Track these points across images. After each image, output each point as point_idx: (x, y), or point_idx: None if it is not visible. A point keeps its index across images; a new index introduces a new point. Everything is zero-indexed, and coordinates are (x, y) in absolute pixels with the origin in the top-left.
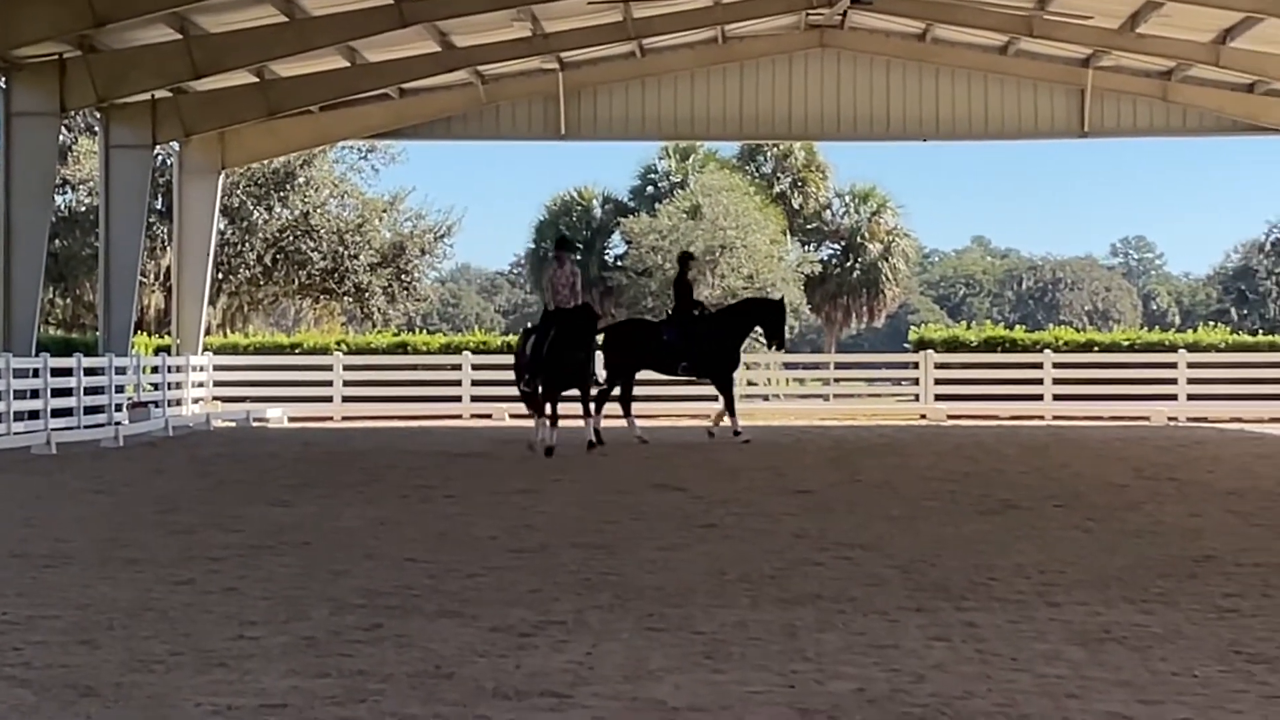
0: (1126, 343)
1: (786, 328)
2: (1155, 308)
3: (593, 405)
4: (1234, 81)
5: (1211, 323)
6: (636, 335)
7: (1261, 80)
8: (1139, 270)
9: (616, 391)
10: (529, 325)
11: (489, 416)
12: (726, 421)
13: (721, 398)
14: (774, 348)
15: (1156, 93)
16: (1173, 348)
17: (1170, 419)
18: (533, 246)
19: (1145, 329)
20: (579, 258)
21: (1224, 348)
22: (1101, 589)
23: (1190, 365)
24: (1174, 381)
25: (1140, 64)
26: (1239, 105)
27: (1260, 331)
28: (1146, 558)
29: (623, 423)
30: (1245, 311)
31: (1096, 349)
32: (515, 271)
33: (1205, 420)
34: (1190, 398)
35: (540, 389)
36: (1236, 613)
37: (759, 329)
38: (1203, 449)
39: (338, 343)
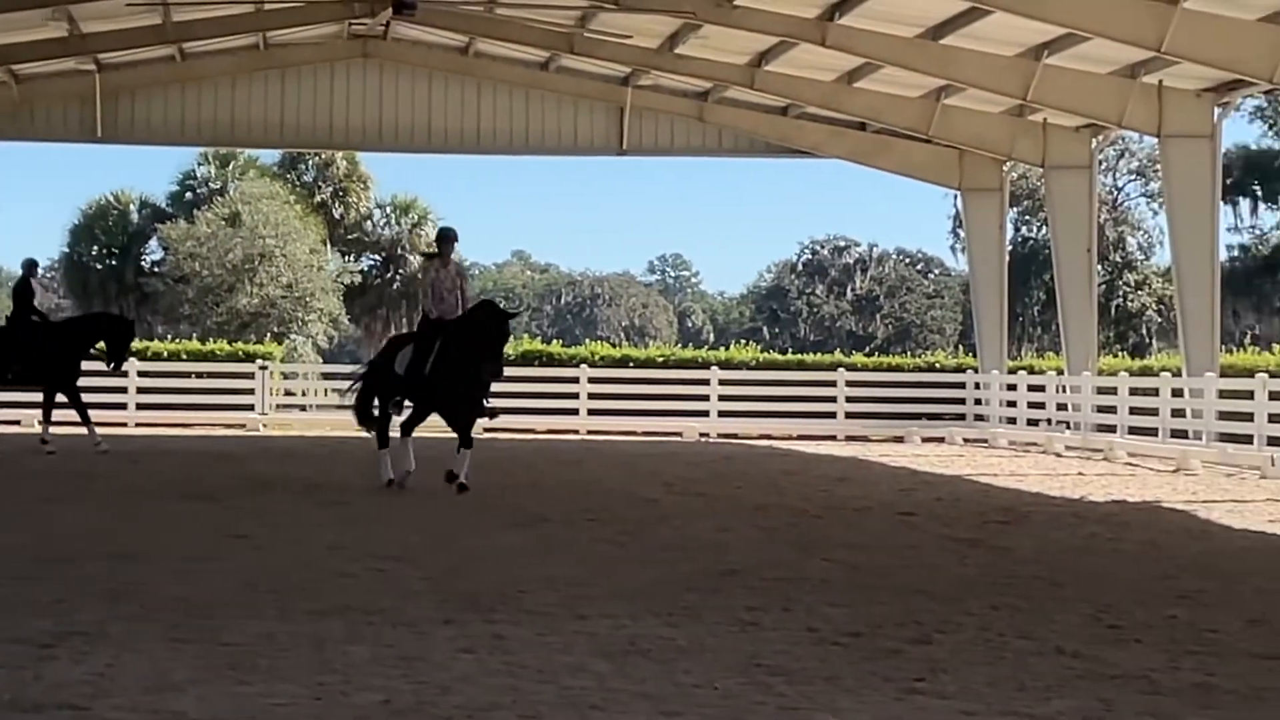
0: (661, 359)
1: (129, 349)
2: (691, 325)
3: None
4: (768, 104)
5: (744, 340)
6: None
7: (794, 104)
8: (676, 288)
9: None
10: (396, 335)
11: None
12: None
13: (73, 409)
14: (113, 368)
15: (694, 113)
16: (706, 364)
17: (702, 435)
18: (67, 251)
19: (680, 346)
20: (121, 264)
21: (754, 365)
22: (629, 602)
23: (722, 382)
24: (706, 398)
25: (678, 84)
26: (773, 128)
27: (790, 350)
28: (674, 572)
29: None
30: (777, 330)
31: (632, 364)
32: (49, 276)
33: (736, 436)
34: (722, 414)
35: (416, 412)
36: (758, 626)
37: (103, 344)
38: (731, 465)
39: None
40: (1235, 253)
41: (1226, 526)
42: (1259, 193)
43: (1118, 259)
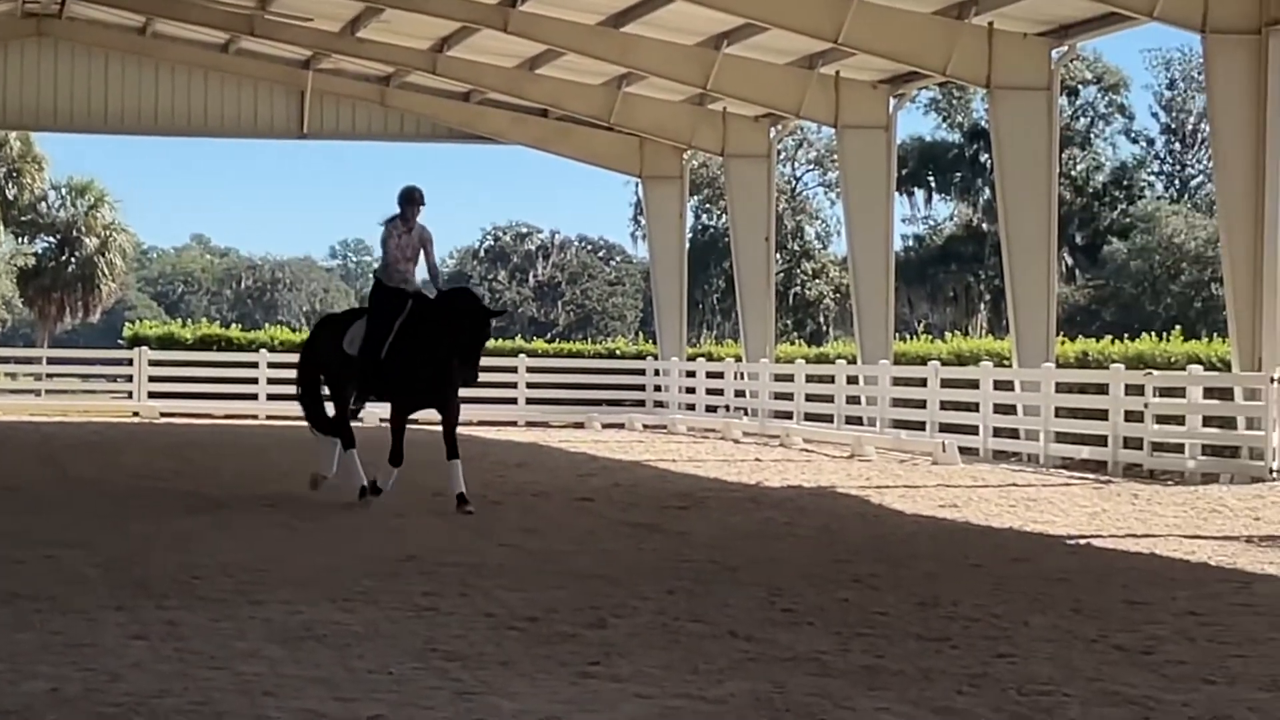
0: None
1: None
2: None
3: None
4: (450, 90)
5: None
6: None
7: (477, 90)
8: (357, 272)
9: None
10: (328, 316)
11: None
12: None
13: None
14: None
15: (375, 97)
16: None
17: (383, 420)
18: None
19: None
20: None
21: None
22: (305, 588)
23: None
24: None
25: (360, 68)
26: (455, 113)
27: None
28: (351, 557)
29: None
30: None
31: None
32: None
33: (415, 422)
34: None
35: (397, 409)
36: (435, 611)
37: None
38: (411, 451)
39: None
40: (910, 242)
41: (898, 511)
42: (933, 184)
43: (796, 248)
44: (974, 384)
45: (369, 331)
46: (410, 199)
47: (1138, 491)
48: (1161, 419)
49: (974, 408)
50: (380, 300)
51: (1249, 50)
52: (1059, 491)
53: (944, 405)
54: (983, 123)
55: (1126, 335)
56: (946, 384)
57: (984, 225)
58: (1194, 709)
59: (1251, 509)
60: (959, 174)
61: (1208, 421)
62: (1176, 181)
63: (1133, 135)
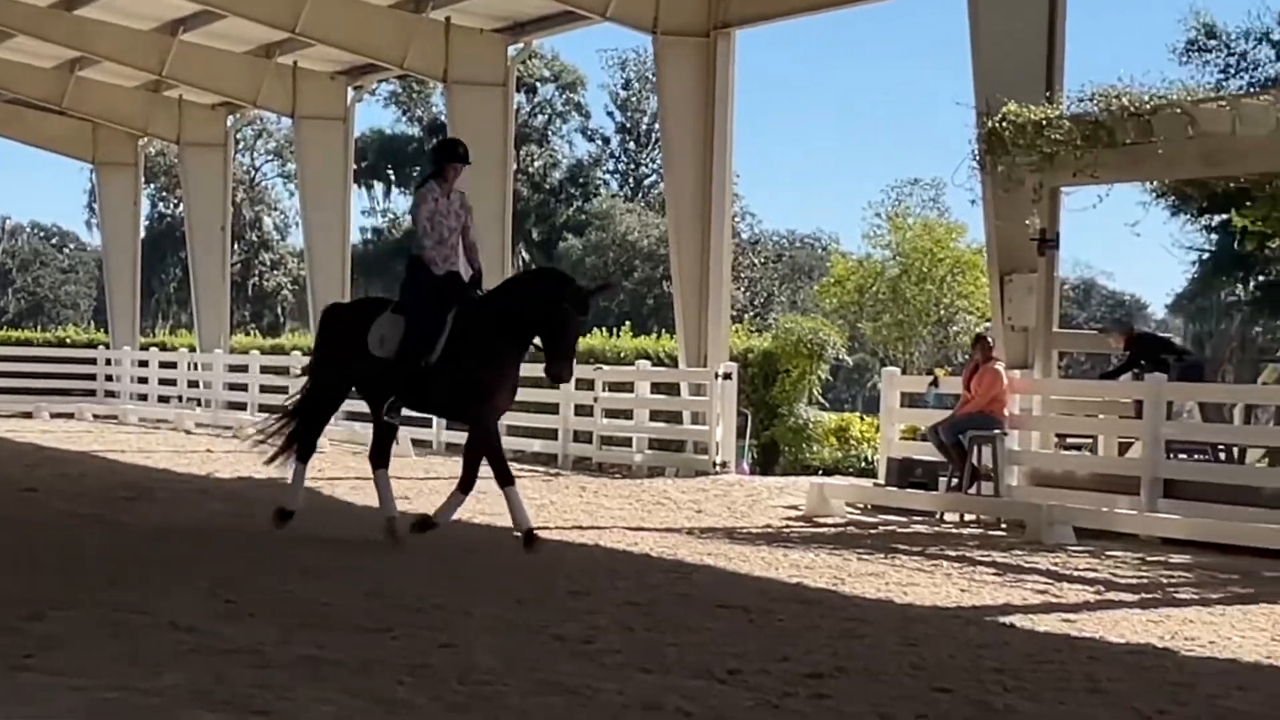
0: None
1: None
2: None
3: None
4: None
5: None
6: None
7: None
8: None
9: None
10: (334, 305)
11: None
12: None
13: None
14: None
15: None
16: None
17: None
18: None
19: None
20: None
21: None
22: None
23: None
24: None
25: None
26: None
27: None
28: None
29: None
30: None
31: None
32: None
33: None
34: None
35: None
36: None
37: None
38: None
39: None
40: (369, 235)
41: (349, 503)
42: (392, 176)
43: (254, 238)
44: None
45: (412, 328)
46: (451, 153)
47: (585, 484)
48: (610, 413)
49: None
50: (424, 288)
51: (698, 52)
52: None
53: None
54: (442, 117)
55: None
56: None
57: None
58: (627, 697)
59: (695, 501)
60: (418, 168)
61: (655, 416)
62: (631, 180)
63: (589, 133)
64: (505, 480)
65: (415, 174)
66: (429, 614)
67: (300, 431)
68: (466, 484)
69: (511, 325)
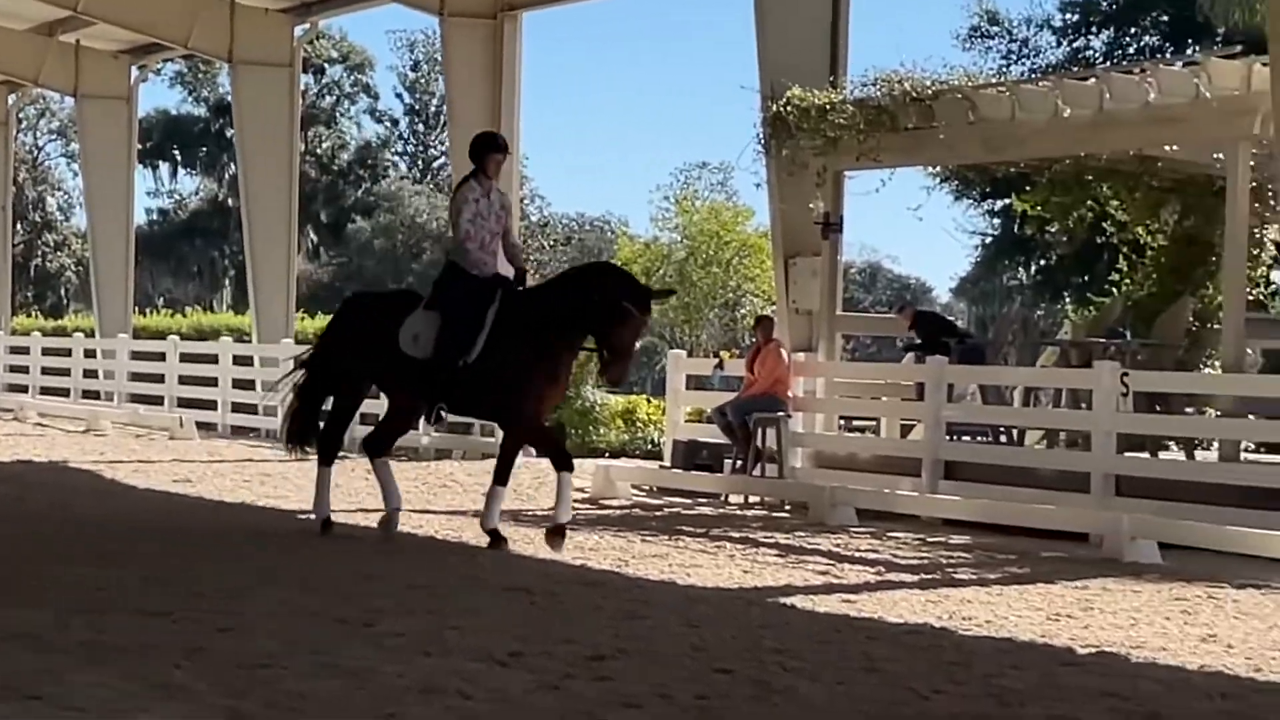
0: None
1: None
2: None
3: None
4: None
5: None
6: None
7: None
8: None
9: None
10: (359, 293)
11: None
12: None
13: None
14: None
15: None
16: None
17: None
18: None
19: None
20: None
21: None
22: None
23: None
24: None
25: None
26: None
27: None
28: None
29: None
30: None
31: None
32: None
33: None
34: None
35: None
36: None
37: None
38: None
39: None
40: (155, 216)
41: (131, 486)
42: (179, 157)
43: (38, 219)
44: (214, 359)
45: (449, 327)
46: (491, 144)
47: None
48: None
49: (214, 383)
50: (462, 287)
51: (485, 34)
52: (294, 467)
53: (183, 380)
54: (228, 97)
55: None
56: (186, 359)
57: (230, 200)
58: (407, 679)
59: (481, 484)
60: (205, 148)
61: None
62: (420, 162)
63: (377, 115)
64: (500, 480)
65: (202, 154)
66: (210, 598)
67: (326, 435)
68: (502, 477)
69: (562, 321)
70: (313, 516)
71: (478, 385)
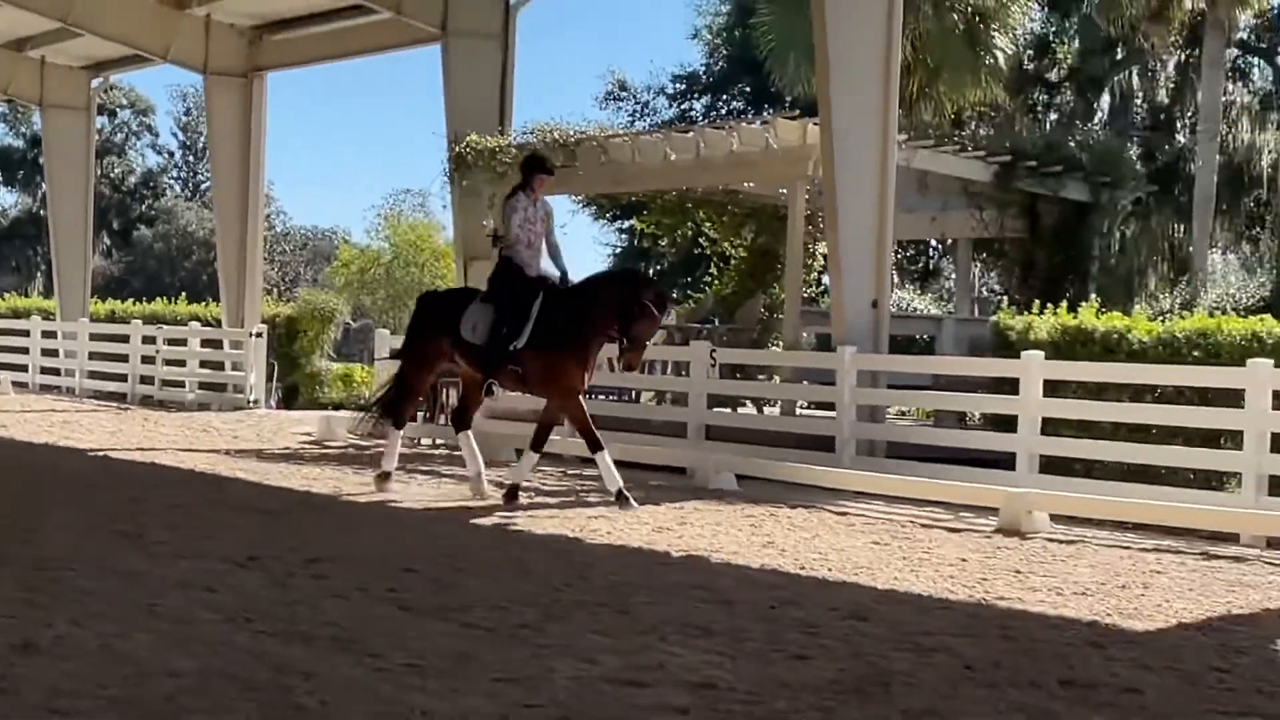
0: None
1: None
2: None
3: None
4: None
5: None
6: None
7: None
8: None
9: None
10: (430, 292)
11: None
12: None
13: None
14: None
15: None
16: None
17: None
18: None
19: None
20: None
21: None
22: None
23: None
24: None
25: None
26: None
27: None
28: None
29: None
30: None
31: None
32: None
33: None
34: None
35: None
36: None
37: None
38: None
39: None
40: None
41: None
42: (1, 178)
43: None
44: (26, 333)
45: (501, 316)
46: (540, 167)
47: (148, 416)
48: (169, 361)
49: (26, 351)
50: (516, 283)
51: (239, 89)
52: (89, 416)
53: (2, 349)
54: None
55: (147, 299)
56: (3, 332)
57: (41, 211)
58: (169, 580)
59: (233, 430)
60: (22, 171)
61: (204, 364)
62: (191, 185)
63: (158, 149)
64: (535, 447)
65: (20, 176)
66: (13, 517)
67: (394, 403)
68: (538, 444)
69: (595, 316)
70: (382, 467)
71: (524, 366)
